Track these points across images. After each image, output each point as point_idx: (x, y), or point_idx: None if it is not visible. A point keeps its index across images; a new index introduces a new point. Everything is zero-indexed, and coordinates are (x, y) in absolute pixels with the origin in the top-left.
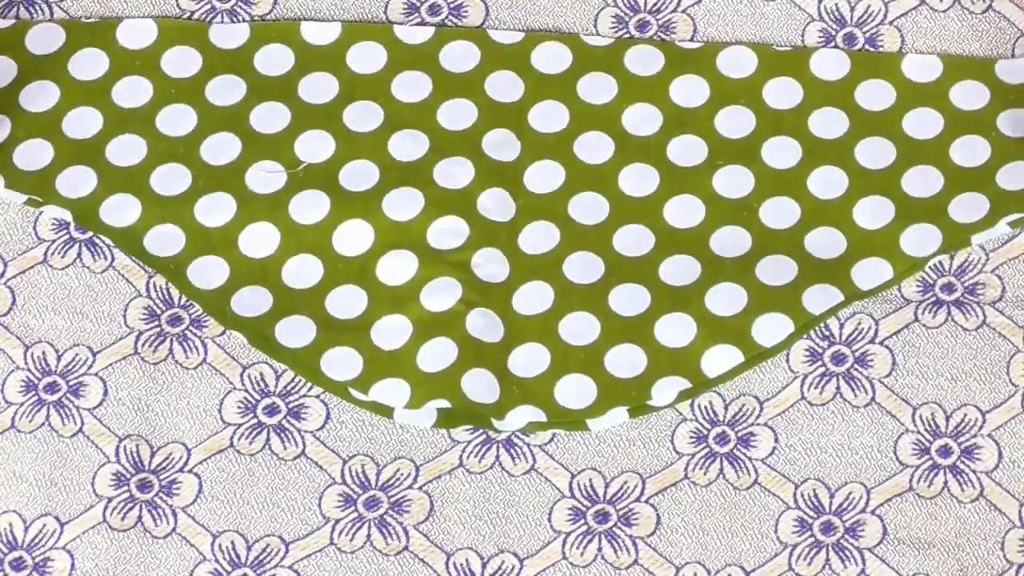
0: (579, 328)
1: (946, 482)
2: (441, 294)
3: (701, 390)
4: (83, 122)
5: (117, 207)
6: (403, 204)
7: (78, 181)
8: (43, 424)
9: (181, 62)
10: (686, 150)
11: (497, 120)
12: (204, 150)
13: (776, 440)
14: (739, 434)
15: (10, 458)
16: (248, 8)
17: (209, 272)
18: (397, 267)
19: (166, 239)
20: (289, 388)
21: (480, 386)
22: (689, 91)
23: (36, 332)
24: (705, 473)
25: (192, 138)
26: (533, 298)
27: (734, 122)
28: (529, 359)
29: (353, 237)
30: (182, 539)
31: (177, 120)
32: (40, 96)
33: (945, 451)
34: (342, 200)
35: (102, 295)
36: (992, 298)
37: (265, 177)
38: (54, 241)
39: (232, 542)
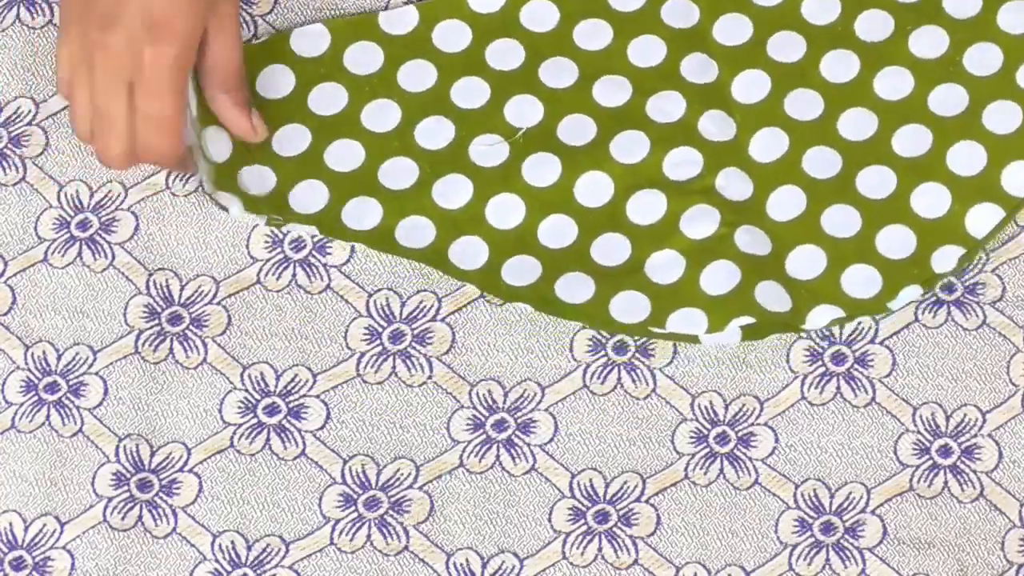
0: (841, 220)
1: (946, 482)
2: (700, 221)
3: (975, 252)
4: (293, 138)
5: (357, 212)
6: (630, 147)
7: (310, 196)
8: (43, 424)
9: (363, 58)
10: (873, 25)
11: (685, 47)
12: (419, 138)
13: (776, 440)
14: (739, 434)
15: (10, 458)
16: (248, 8)
17: (470, 253)
18: (647, 206)
19: (416, 231)
20: (289, 388)
21: (773, 296)
22: None
23: (36, 331)
24: (705, 473)
25: (403, 129)
26: (786, 204)
27: None
28: (805, 262)
29: (594, 188)
30: (182, 539)
31: (382, 115)
32: None
33: (945, 451)
34: (570, 156)
35: (102, 294)
36: (992, 298)
37: (487, 151)
38: (54, 240)
39: (232, 542)
